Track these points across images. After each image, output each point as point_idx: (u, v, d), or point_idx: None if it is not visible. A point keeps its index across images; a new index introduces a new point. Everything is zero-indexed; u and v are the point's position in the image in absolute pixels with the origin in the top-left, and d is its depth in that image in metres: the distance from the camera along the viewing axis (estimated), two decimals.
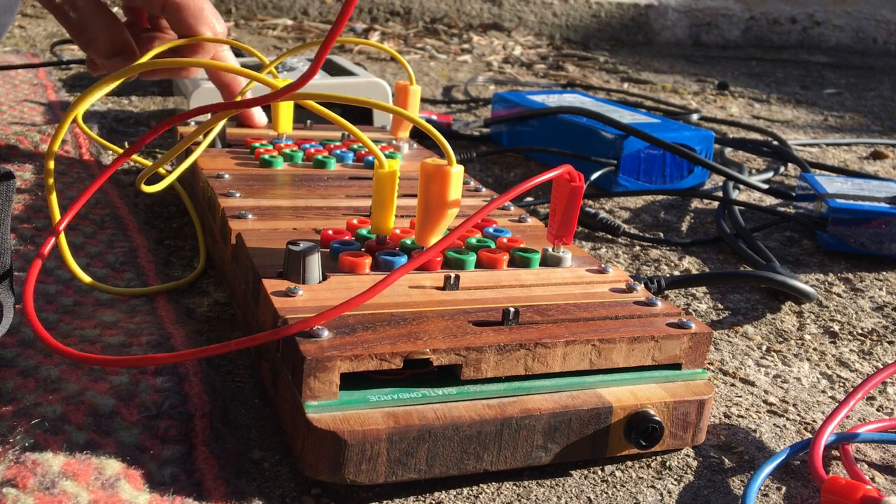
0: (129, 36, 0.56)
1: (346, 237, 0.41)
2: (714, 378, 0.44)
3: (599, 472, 0.35)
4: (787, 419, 0.40)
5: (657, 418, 0.34)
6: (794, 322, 0.51)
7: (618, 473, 0.35)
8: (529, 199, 0.68)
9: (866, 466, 0.37)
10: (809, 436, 0.39)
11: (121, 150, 0.57)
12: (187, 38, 0.56)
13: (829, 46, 2.02)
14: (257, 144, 0.58)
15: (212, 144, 0.58)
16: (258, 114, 0.64)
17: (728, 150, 0.92)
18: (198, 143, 0.55)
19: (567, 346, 0.34)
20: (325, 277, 0.37)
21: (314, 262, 0.36)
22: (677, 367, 0.36)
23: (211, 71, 0.62)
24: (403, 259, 0.39)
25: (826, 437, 0.36)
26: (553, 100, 0.86)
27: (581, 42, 1.80)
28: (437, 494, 0.32)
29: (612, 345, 0.35)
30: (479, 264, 0.40)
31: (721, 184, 0.79)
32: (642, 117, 0.79)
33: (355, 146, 0.59)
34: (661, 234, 0.65)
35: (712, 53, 1.82)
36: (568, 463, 0.35)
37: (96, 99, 0.37)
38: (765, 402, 0.42)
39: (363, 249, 0.40)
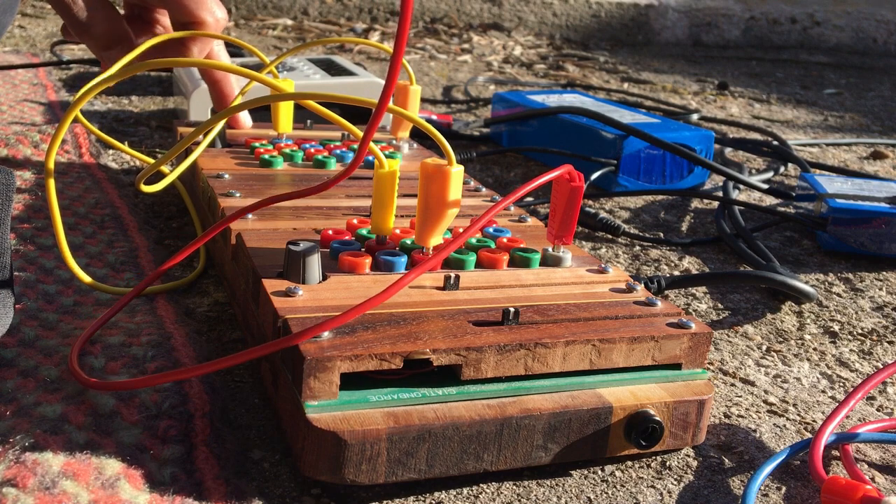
0: (128, 27, 0.56)
1: (346, 237, 0.41)
2: (714, 378, 0.44)
3: (599, 472, 0.35)
4: (787, 419, 0.40)
5: (657, 418, 0.34)
6: (794, 322, 0.51)
7: (618, 473, 0.35)
8: (529, 199, 0.68)
9: (866, 466, 0.37)
10: (809, 436, 0.39)
11: (122, 146, 0.56)
12: (184, 31, 0.55)
13: (829, 46, 2.02)
14: (257, 144, 0.58)
15: (212, 144, 0.58)
16: (244, 116, 0.64)
17: (728, 150, 0.92)
18: (198, 143, 0.55)
19: (567, 346, 0.34)
20: (325, 277, 0.37)
21: (314, 262, 0.36)
22: (677, 367, 0.36)
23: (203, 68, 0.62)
24: (404, 259, 0.39)
25: (826, 437, 0.36)
26: (553, 100, 0.86)
27: (581, 42, 1.80)
28: (437, 494, 0.32)
29: (612, 345, 0.35)
30: (479, 264, 0.40)
31: (721, 184, 0.79)
32: (642, 117, 0.79)
33: (355, 146, 0.59)
34: (661, 234, 0.65)
35: (712, 53, 1.82)
36: (568, 463, 0.35)
37: (94, 94, 0.37)
38: (765, 402, 0.42)
39: (363, 249, 0.40)
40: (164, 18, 0.60)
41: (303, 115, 0.66)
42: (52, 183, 0.37)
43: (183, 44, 0.56)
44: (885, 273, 0.60)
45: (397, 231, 0.41)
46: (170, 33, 0.55)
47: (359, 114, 0.78)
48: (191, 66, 0.51)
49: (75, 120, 0.66)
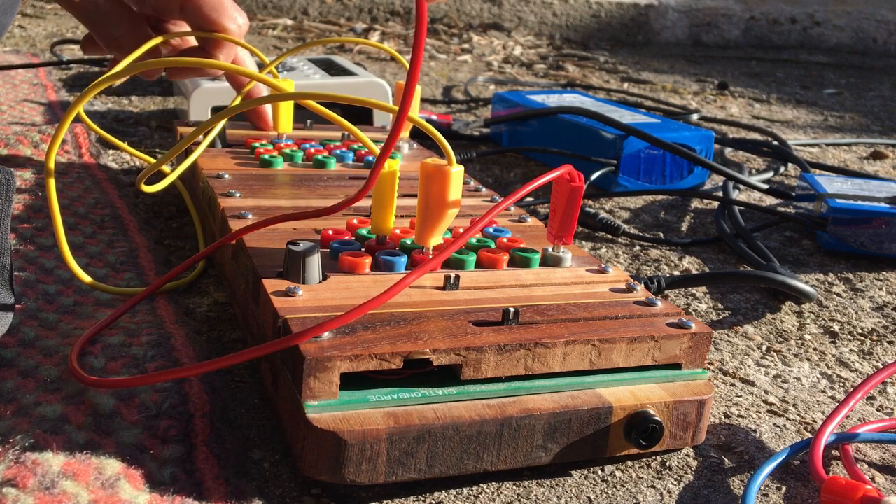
0: (153, 34, 0.56)
1: (346, 237, 0.41)
2: (714, 378, 0.44)
3: (599, 472, 0.35)
4: (787, 419, 0.40)
5: (657, 418, 0.34)
6: (794, 322, 0.51)
7: (618, 473, 0.35)
8: (529, 199, 0.68)
9: (866, 466, 0.37)
10: (809, 436, 0.39)
11: (124, 145, 0.56)
12: (204, 33, 0.55)
13: (829, 46, 2.02)
14: (257, 144, 0.58)
15: (212, 144, 0.58)
16: (270, 115, 0.63)
17: (728, 150, 0.92)
18: (198, 143, 0.55)
19: (567, 346, 0.34)
20: (325, 277, 0.37)
21: (314, 262, 0.36)
22: (677, 367, 0.36)
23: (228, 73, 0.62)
24: (404, 259, 0.39)
25: (826, 437, 0.36)
26: (553, 100, 0.86)
27: (581, 42, 1.80)
28: (437, 494, 0.32)
29: (612, 345, 0.35)
30: (479, 264, 0.40)
31: (721, 184, 0.79)
32: (642, 117, 0.79)
33: (355, 146, 0.59)
34: (661, 234, 0.65)
35: (712, 53, 1.82)
36: (568, 463, 0.35)
37: (94, 94, 0.37)
38: (765, 402, 0.42)
39: (363, 249, 0.40)
40: (179, 30, 0.60)
41: (303, 115, 0.66)
42: (52, 183, 0.37)
43: (206, 51, 0.56)
44: (885, 273, 0.60)
45: (397, 231, 0.41)
46: (182, 32, 0.55)
47: (358, 114, 0.78)
48: (193, 67, 0.51)
49: (77, 119, 0.66)
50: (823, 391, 0.43)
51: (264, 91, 0.60)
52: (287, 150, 0.56)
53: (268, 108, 0.63)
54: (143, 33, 0.55)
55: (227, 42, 0.56)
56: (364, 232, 0.41)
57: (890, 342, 0.50)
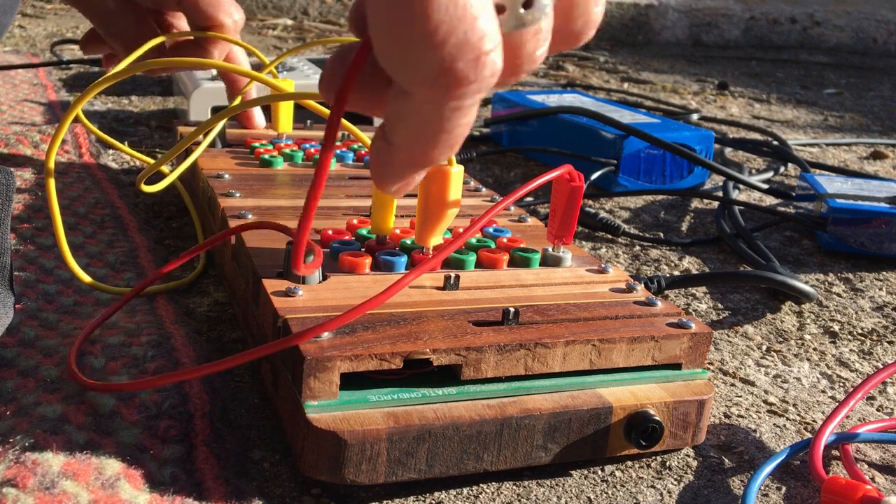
0: (157, 29, 0.56)
1: (346, 237, 0.41)
2: (714, 378, 0.44)
3: (599, 472, 0.35)
4: (787, 419, 0.40)
5: (657, 418, 0.34)
6: (794, 322, 0.51)
7: (618, 473, 0.35)
8: (529, 199, 0.68)
9: (866, 466, 0.37)
10: (809, 436, 0.39)
11: (122, 146, 0.56)
12: (200, 32, 0.55)
13: (829, 46, 2.02)
14: (257, 144, 0.58)
15: (212, 144, 0.58)
16: (258, 115, 0.64)
17: (728, 150, 0.92)
18: (198, 143, 0.55)
19: (567, 346, 0.34)
20: (325, 277, 0.37)
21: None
22: (677, 367, 0.36)
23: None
24: (404, 259, 0.39)
25: (826, 437, 0.36)
26: (553, 100, 0.86)
27: None
28: (437, 494, 0.32)
29: (612, 345, 0.35)
30: (479, 264, 0.40)
31: (721, 184, 0.79)
32: (642, 117, 0.79)
33: (355, 146, 0.59)
34: (661, 234, 0.65)
35: (712, 53, 1.82)
36: (568, 463, 0.35)
37: (94, 94, 0.37)
38: (765, 402, 0.42)
39: (363, 249, 0.40)
40: (178, 22, 0.60)
41: (303, 115, 0.66)
42: (52, 183, 0.38)
43: (201, 46, 0.56)
44: (885, 273, 0.60)
45: (397, 231, 0.41)
46: (180, 33, 0.55)
47: (358, 113, 0.78)
48: (192, 67, 0.51)
49: (76, 120, 0.66)
50: (823, 391, 0.43)
51: (259, 90, 0.60)
52: (287, 150, 0.56)
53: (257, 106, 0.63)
54: (147, 27, 0.55)
55: (221, 38, 0.56)
56: (364, 232, 0.41)
57: (890, 342, 0.50)
